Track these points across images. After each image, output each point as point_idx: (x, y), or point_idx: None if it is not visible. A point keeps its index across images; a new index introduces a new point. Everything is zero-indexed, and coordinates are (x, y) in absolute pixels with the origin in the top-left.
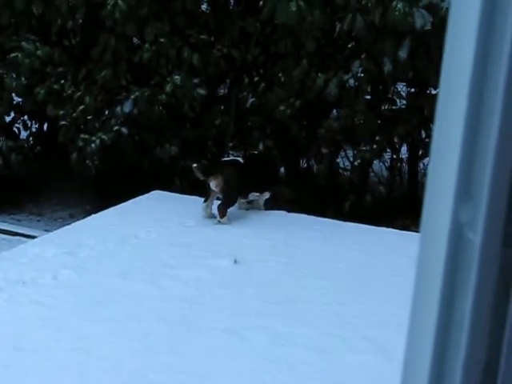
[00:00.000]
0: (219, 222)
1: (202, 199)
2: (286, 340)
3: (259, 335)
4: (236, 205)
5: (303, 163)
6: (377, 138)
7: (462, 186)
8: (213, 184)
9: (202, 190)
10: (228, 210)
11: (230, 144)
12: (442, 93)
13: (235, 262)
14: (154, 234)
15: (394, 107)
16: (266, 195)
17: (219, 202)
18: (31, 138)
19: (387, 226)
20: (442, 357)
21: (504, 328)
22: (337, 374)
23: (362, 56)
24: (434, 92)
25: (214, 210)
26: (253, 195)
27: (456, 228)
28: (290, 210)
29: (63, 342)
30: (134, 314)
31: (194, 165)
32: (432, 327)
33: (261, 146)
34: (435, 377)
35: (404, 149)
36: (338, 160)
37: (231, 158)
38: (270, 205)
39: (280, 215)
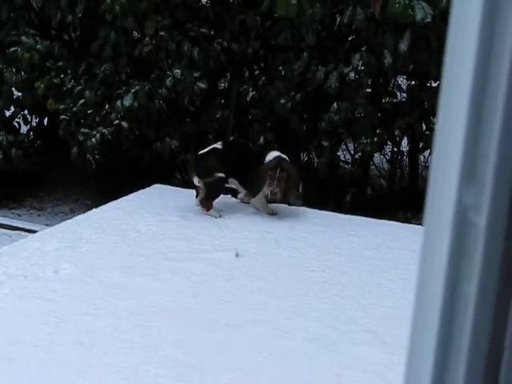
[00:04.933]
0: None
1: None
2: (287, 333)
3: (260, 328)
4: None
5: (304, 156)
6: (377, 131)
7: (467, 168)
8: (195, 180)
9: None
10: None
11: (231, 138)
12: (447, 76)
13: (237, 255)
14: (154, 228)
15: (394, 100)
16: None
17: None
18: (31, 133)
19: (388, 219)
20: (446, 340)
21: (509, 310)
22: (337, 367)
23: (363, 49)
24: (434, 85)
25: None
26: (233, 182)
27: (461, 211)
28: (290, 203)
29: (64, 335)
30: (136, 308)
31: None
32: (436, 311)
33: (261, 140)
34: (440, 361)
35: (405, 142)
36: (338, 153)
37: (210, 147)
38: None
39: (281, 208)
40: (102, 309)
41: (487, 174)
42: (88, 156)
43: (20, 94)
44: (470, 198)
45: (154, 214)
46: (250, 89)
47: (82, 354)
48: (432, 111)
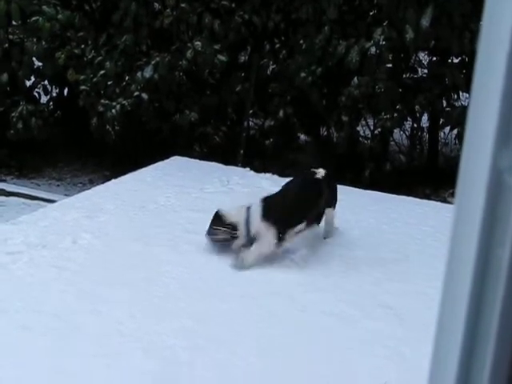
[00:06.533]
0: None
1: (220, 165)
2: (303, 306)
3: (276, 301)
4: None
5: (323, 131)
6: (397, 106)
7: (502, 132)
8: None
9: (220, 157)
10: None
11: (250, 111)
12: (483, 41)
13: None
14: (173, 200)
15: (415, 76)
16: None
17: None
18: (51, 103)
19: (406, 195)
20: (478, 305)
21: None
22: (353, 341)
23: (384, 24)
24: (455, 61)
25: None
26: None
27: (495, 174)
28: None
29: (82, 305)
30: (153, 279)
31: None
32: (468, 274)
33: (281, 113)
34: (472, 323)
35: (425, 118)
36: (358, 128)
37: None
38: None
39: None
40: (119, 279)
41: None
42: (107, 127)
43: (40, 63)
44: (505, 161)
45: (172, 186)
46: (271, 62)
47: (99, 323)
48: (453, 87)
